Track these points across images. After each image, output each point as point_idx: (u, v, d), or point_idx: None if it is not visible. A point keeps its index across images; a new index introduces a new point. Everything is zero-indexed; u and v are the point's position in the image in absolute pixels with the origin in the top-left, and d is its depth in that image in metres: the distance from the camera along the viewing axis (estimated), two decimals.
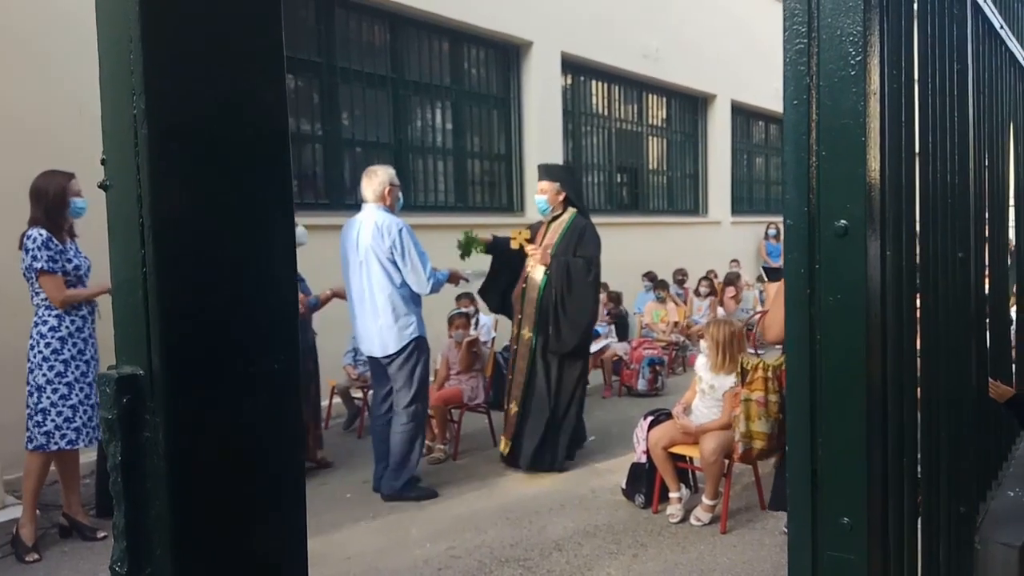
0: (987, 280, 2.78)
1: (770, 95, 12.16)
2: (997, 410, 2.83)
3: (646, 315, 8.69)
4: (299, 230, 4.87)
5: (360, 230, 4.49)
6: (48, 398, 3.73)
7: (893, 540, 1.47)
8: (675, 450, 4.27)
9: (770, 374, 3.92)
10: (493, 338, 6.21)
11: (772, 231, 13.10)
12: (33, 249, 3.69)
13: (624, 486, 4.54)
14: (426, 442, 5.17)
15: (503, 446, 5.18)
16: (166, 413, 0.57)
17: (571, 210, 5.17)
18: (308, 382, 5.05)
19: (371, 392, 5.40)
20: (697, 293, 9.42)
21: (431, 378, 5.23)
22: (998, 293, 3.07)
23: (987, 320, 2.75)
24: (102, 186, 0.60)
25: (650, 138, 11.34)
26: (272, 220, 0.64)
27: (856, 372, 1.28)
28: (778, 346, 3.80)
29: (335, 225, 5.16)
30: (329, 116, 6.95)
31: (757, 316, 8.61)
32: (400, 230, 4.42)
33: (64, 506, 4.02)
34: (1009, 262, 3.62)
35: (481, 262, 5.29)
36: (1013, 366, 3.46)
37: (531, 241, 5.15)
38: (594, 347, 7.35)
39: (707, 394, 4.31)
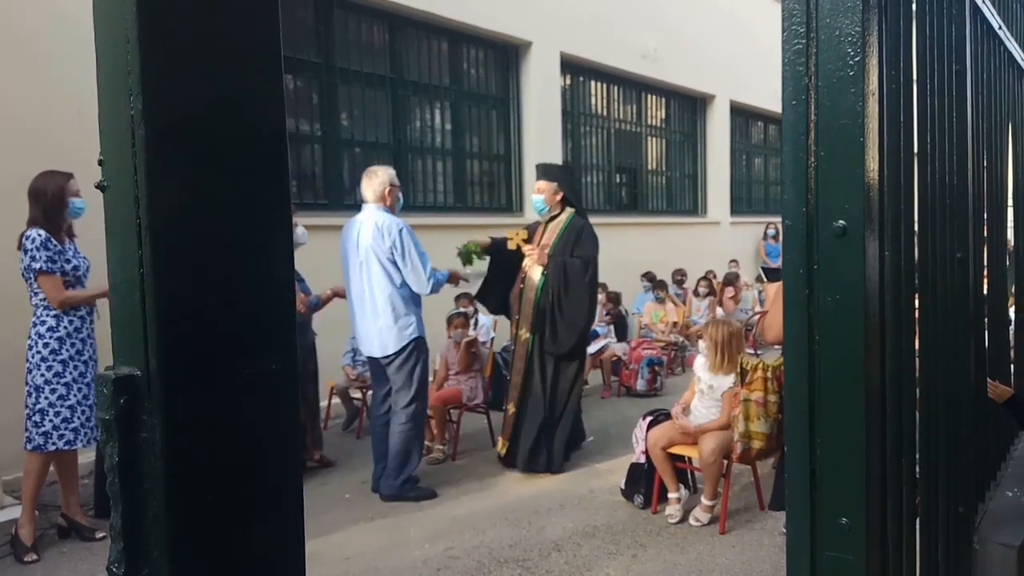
0: (985, 280, 2.78)
1: (769, 95, 12.16)
2: (995, 410, 2.84)
3: (645, 315, 8.69)
4: (299, 230, 4.87)
5: (360, 230, 4.50)
6: (46, 398, 3.73)
7: (892, 540, 1.47)
8: (674, 450, 4.27)
9: (769, 374, 3.93)
10: (492, 338, 6.21)
11: (771, 231, 13.11)
12: (32, 249, 3.69)
13: (623, 486, 4.54)
14: (425, 442, 5.17)
15: (500, 447, 5.18)
16: (163, 414, 0.57)
17: (569, 210, 5.17)
18: (307, 382, 5.05)
19: (370, 392, 5.41)
20: (696, 293, 9.42)
21: (430, 378, 5.23)
22: (996, 293, 3.08)
23: (985, 320, 2.75)
24: (99, 186, 0.60)
25: (649, 138, 11.35)
26: (270, 220, 0.64)
27: (855, 372, 1.28)
28: (777, 347, 3.81)
29: (334, 225, 5.16)
30: (328, 116, 6.95)
31: (756, 317, 8.62)
32: (400, 230, 4.42)
33: (62, 506, 4.01)
34: (1007, 262, 3.62)
35: (481, 263, 5.29)
36: (1011, 366, 3.46)
37: (528, 241, 5.14)
38: (593, 347, 7.36)
39: (706, 394, 4.31)
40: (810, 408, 1.31)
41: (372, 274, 4.45)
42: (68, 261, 3.79)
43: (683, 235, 11.48)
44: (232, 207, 0.61)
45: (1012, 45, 3.03)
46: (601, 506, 4.46)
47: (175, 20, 0.57)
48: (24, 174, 3.86)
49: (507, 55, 8.67)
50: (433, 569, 3.68)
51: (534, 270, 5.02)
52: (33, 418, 3.75)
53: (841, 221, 1.25)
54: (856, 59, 1.23)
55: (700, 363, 4.44)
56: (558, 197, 5.14)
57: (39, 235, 3.70)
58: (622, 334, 8.21)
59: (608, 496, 4.60)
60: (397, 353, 4.50)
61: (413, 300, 4.54)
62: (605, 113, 10.39)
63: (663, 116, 11.61)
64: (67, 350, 3.77)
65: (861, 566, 1.28)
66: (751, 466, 4.27)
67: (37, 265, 3.68)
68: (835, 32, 1.24)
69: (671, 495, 4.28)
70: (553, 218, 5.16)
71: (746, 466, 4.31)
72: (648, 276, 9.35)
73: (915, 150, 1.68)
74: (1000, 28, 2.74)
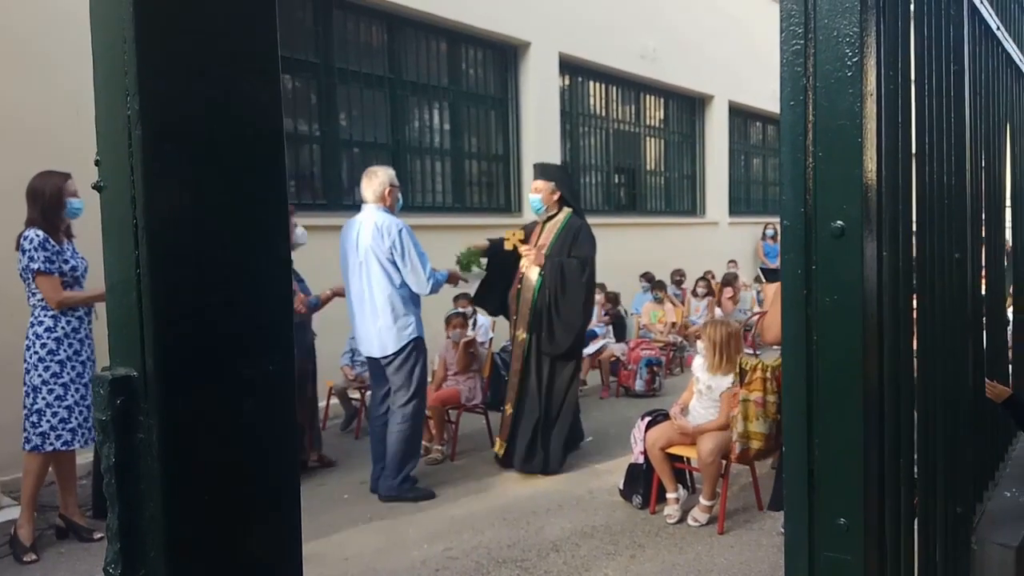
0: (983, 281, 2.79)
1: (768, 96, 12.17)
2: (994, 410, 2.84)
3: (644, 316, 8.69)
4: (298, 230, 4.88)
5: (360, 231, 4.50)
6: (43, 399, 3.73)
7: (890, 541, 1.47)
8: (672, 451, 4.27)
9: (769, 375, 3.93)
10: (491, 339, 6.21)
11: (770, 232, 13.12)
12: (30, 250, 3.68)
13: (621, 487, 4.54)
14: (423, 443, 5.17)
15: (498, 447, 5.18)
16: (160, 415, 0.57)
17: (566, 210, 5.16)
18: (305, 382, 5.05)
19: (368, 393, 5.40)
20: (695, 294, 9.42)
21: (429, 379, 5.23)
22: (994, 294, 3.08)
23: (984, 320, 2.76)
24: (96, 187, 0.60)
25: (648, 139, 11.35)
26: (266, 220, 0.64)
27: (853, 373, 1.28)
28: (777, 347, 3.81)
29: (333, 226, 5.16)
30: (327, 117, 6.95)
31: (756, 317, 8.63)
32: (400, 231, 4.43)
33: (60, 507, 4.01)
34: (1005, 263, 3.63)
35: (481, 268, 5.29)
36: (1009, 366, 3.47)
37: (525, 242, 5.13)
38: (592, 348, 7.37)
39: (704, 395, 4.31)
40: (808, 408, 1.31)
41: (372, 274, 4.45)
42: (66, 261, 3.79)
43: (682, 235, 11.49)
44: (229, 207, 0.61)
45: (1010, 46, 3.03)
46: (600, 506, 4.46)
47: (172, 20, 0.57)
48: (23, 174, 3.85)
49: (506, 55, 8.67)
50: (432, 569, 3.68)
51: (531, 270, 5.01)
52: (31, 418, 3.75)
53: (839, 222, 1.25)
54: (854, 60, 1.23)
55: (698, 363, 4.44)
56: (555, 197, 5.13)
57: (37, 235, 3.70)
58: (621, 334, 8.21)
59: (606, 496, 4.60)
60: (396, 353, 4.50)
61: (412, 300, 4.54)
62: (604, 113, 10.39)
63: (662, 116, 11.62)
64: (64, 350, 3.77)
65: (859, 566, 1.28)
66: (750, 466, 4.27)
67: (35, 265, 3.68)
68: (833, 33, 1.25)
69: (669, 495, 4.28)
70: (550, 218, 5.16)
71: (745, 466, 4.31)
72: (647, 276, 9.36)
73: (913, 151, 1.68)
74: (998, 29, 2.75)
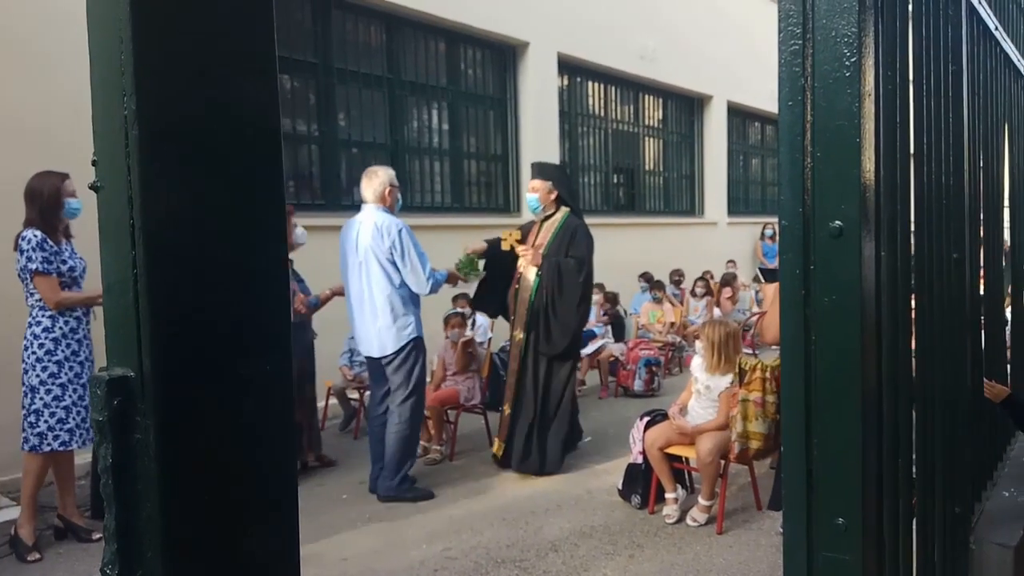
0: (982, 281, 2.79)
1: (766, 96, 12.18)
2: (992, 410, 2.84)
3: (642, 316, 8.69)
4: (298, 231, 4.87)
5: (359, 230, 4.49)
6: (41, 399, 3.73)
7: (888, 541, 1.47)
8: (671, 451, 4.27)
9: (768, 375, 3.93)
10: (490, 339, 6.21)
11: (768, 232, 13.12)
12: (28, 250, 3.68)
13: (620, 487, 4.54)
14: (422, 443, 5.16)
15: (496, 447, 5.18)
16: (157, 415, 0.57)
17: (564, 209, 5.15)
18: (304, 382, 5.04)
19: (367, 393, 5.40)
20: (693, 294, 9.42)
21: (428, 379, 5.22)
22: (993, 294, 3.08)
23: (982, 320, 2.76)
24: (93, 187, 0.60)
25: (646, 139, 11.35)
26: (264, 221, 0.64)
27: (851, 373, 1.28)
28: (776, 347, 3.80)
29: (331, 226, 5.16)
30: (325, 117, 6.95)
31: (754, 317, 8.64)
32: (400, 231, 4.42)
33: (59, 507, 4.01)
34: (1004, 263, 3.63)
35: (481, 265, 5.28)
36: (1008, 366, 3.47)
37: (522, 242, 5.13)
38: (590, 348, 7.37)
39: (703, 395, 4.31)
40: (807, 408, 1.31)
41: (371, 274, 4.45)
42: (64, 262, 3.78)
43: (680, 235, 11.49)
44: (226, 207, 0.61)
45: (1008, 46, 3.04)
46: (598, 506, 4.46)
47: (169, 20, 0.57)
48: (22, 174, 3.85)
49: (504, 55, 8.67)
50: (431, 570, 3.68)
51: (529, 270, 5.01)
52: (29, 419, 3.75)
53: (837, 222, 1.25)
54: (852, 60, 1.23)
55: (697, 363, 4.44)
56: (553, 196, 5.12)
57: (35, 236, 3.70)
58: (619, 334, 8.21)
59: (605, 496, 4.60)
60: (396, 353, 4.49)
61: (412, 300, 4.54)
62: (602, 113, 10.40)
63: (660, 116, 11.62)
64: (62, 351, 3.77)
65: (857, 566, 1.28)
66: (748, 466, 4.28)
67: (33, 266, 3.67)
68: (831, 33, 1.25)
69: (668, 495, 4.28)
70: (548, 217, 5.15)
71: (743, 466, 4.31)
72: (645, 276, 9.36)
73: (911, 151, 1.68)
74: (996, 29, 2.75)
